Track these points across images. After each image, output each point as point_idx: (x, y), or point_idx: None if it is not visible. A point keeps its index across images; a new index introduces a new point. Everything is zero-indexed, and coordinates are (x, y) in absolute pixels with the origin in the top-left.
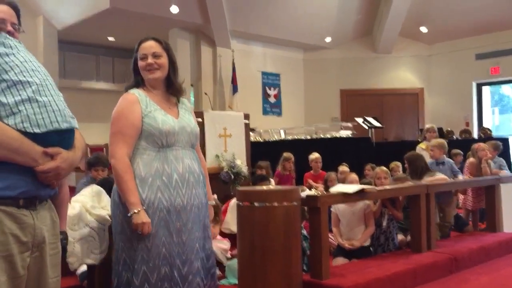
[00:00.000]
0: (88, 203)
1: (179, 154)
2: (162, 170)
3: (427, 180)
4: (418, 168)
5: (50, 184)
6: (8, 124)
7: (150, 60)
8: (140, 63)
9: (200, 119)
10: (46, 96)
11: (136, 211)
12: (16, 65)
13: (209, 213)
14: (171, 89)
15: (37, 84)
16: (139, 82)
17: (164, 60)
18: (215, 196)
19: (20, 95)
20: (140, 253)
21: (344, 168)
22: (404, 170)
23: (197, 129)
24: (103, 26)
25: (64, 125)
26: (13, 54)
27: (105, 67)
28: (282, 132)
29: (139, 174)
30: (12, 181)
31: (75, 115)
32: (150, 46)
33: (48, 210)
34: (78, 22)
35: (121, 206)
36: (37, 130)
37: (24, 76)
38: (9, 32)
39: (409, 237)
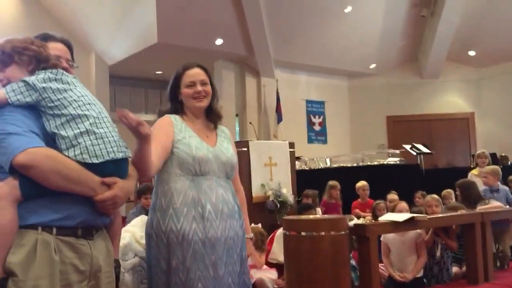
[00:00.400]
0: (138, 233)
1: (213, 184)
2: (197, 200)
3: (481, 208)
4: (471, 196)
5: (106, 213)
6: (68, 156)
7: (199, 87)
8: (187, 91)
9: (245, 149)
10: (102, 128)
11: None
12: (74, 100)
13: (248, 247)
14: (211, 115)
15: (93, 117)
16: (177, 109)
17: (209, 87)
18: (260, 224)
19: (78, 128)
20: (174, 287)
21: (393, 196)
22: (456, 198)
23: (234, 159)
24: (151, 60)
25: (119, 155)
26: (71, 89)
27: (153, 99)
28: (327, 160)
29: (174, 203)
30: (72, 211)
31: None
32: (198, 73)
33: (103, 239)
34: (127, 57)
35: (155, 236)
36: (95, 161)
37: (82, 110)
38: (64, 69)
39: (464, 268)
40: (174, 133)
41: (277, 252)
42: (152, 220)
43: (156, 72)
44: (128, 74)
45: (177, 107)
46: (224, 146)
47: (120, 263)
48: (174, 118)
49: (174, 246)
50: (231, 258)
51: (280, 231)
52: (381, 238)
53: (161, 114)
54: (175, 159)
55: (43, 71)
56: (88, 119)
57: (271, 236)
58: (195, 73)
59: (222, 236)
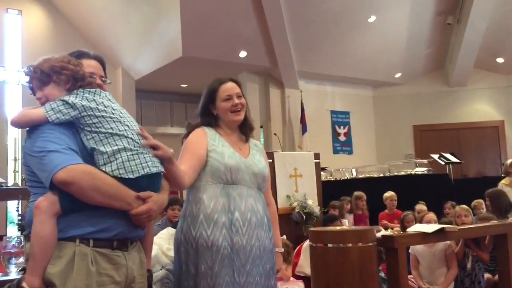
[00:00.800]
0: (164, 246)
1: (243, 193)
2: (227, 207)
3: None
4: (501, 206)
5: (141, 226)
6: (105, 171)
7: (236, 100)
8: (224, 105)
9: (270, 160)
10: (138, 147)
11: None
12: (111, 119)
13: (277, 261)
14: (244, 128)
15: (130, 134)
16: (211, 123)
17: (244, 100)
18: (284, 236)
19: (116, 145)
20: None
21: (421, 206)
22: (487, 208)
23: (266, 171)
24: (176, 74)
25: (154, 169)
26: (107, 108)
27: (178, 112)
28: (353, 170)
29: (204, 210)
30: (108, 224)
31: None
32: (233, 87)
33: (137, 251)
34: (153, 71)
35: (185, 242)
36: (131, 176)
37: (119, 130)
38: (98, 85)
39: (496, 276)
40: (208, 143)
41: (304, 265)
42: (182, 226)
43: (181, 85)
44: (154, 88)
45: (210, 121)
46: (256, 158)
47: (152, 273)
48: (208, 129)
49: (203, 251)
50: (257, 268)
51: (306, 243)
52: (410, 250)
53: (190, 127)
54: (208, 167)
55: (81, 89)
56: (126, 138)
57: (297, 248)
58: (231, 87)
59: (248, 244)
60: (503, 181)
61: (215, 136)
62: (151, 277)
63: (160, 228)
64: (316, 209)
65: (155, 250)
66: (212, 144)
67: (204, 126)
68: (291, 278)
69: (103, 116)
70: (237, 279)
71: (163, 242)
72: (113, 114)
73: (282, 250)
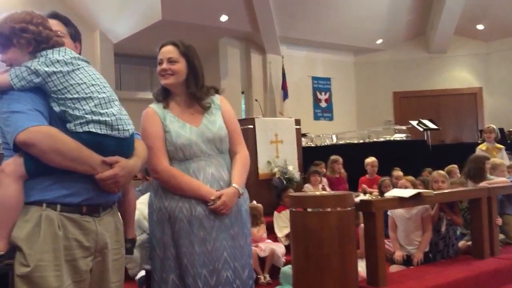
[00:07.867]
0: (145, 210)
1: (201, 165)
2: None
3: (488, 182)
4: (477, 170)
5: (109, 191)
6: (74, 127)
7: (164, 65)
8: (158, 69)
9: (251, 126)
10: (107, 108)
11: (213, 198)
12: (77, 83)
13: (226, 193)
14: (196, 93)
15: (98, 98)
16: (166, 89)
17: (180, 66)
18: (254, 202)
19: (84, 109)
20: (168, 262)
21: (398, 172)
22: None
23: (222, 132)
24: (156, 38)
25: (123, 134)
26: (74, 71)
27: None
28: (334, 137)
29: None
30: (75, 189)
31: None
32: (168, 51)
33: (112, 216)
34: (132, 35)
35: (151, 214)
36: (98, 131)
37: (86, 93)
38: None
39: (470, 243)
40: (161, 123)
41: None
42: (150, 196)
43: None
44: (133, 52)
45: (163, 90)
46: (210, 120)
47: (135, 242)
48: (157, 107)
49: (163, 223)
50: (224, 234)
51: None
52: (389, 213)
53: (154, 97)
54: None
55: (46, 52)
56: (93, 101)
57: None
58: (165, 51)
59: (211, 213)
60: (480, 147)
61: (163, 113)
62: (133, 247)
63: (140, 193)
64: (297, 175)
65: (136, 215)
66: (164, 124)
67: (154, 103)
68: (267, 240)
69: (67, 81)
70: (196, 249)
71: (144, 207)
72: (79, 76)
73: (236, 186)
